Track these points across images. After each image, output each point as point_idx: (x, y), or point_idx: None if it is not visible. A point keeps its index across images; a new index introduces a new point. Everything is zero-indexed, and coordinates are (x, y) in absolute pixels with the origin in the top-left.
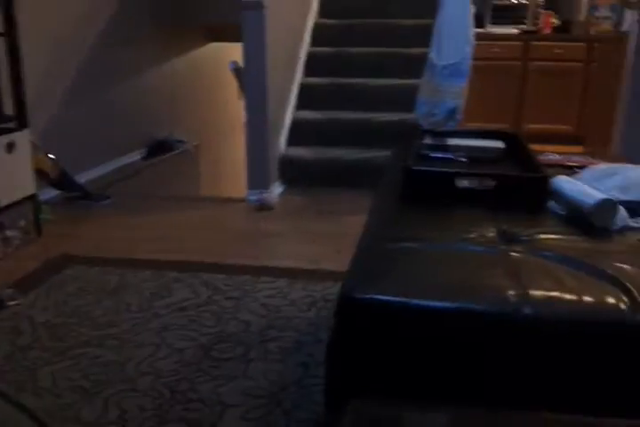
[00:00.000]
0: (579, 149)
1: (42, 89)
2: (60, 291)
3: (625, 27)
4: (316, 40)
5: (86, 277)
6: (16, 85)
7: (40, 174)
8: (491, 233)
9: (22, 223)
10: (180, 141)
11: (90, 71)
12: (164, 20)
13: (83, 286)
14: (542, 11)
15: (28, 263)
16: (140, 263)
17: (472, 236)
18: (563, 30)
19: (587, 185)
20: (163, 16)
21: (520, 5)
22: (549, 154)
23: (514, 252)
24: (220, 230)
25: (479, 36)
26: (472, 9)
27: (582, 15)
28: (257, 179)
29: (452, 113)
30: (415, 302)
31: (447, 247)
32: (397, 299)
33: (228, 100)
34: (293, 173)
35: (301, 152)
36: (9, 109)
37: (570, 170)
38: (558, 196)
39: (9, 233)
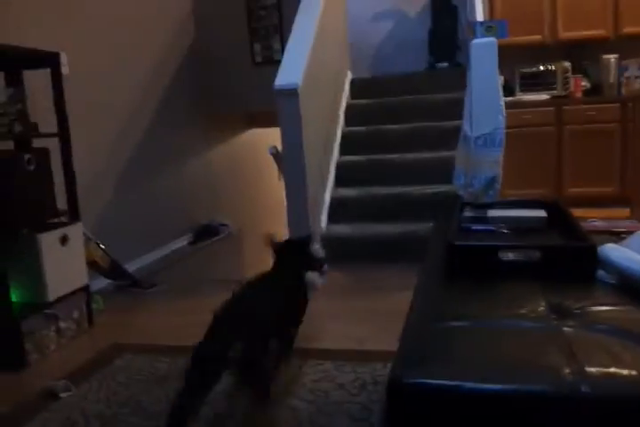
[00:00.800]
0: (625, 211)
1: (91, 183)
2: (112, 381)
3: None
4: (350, 120)
5: (136, 366)
6: (68, 182)
7: (92, 265)
8: (541, 307)
9: (75, 314)
10: (224, 225)
11: (136, 162)
12: (206, 109)
13: (133, 375)
14: (571, 75)
15: (81, 354)
16: (187, 350)
17: (522, 311)
18: (594, 93)
19: (635, 252)
20: (205, 105)
21: (548, 72)
22: (594, 220)
23: (566, 326)
24: None
25: (510, 105)
26: (500, 79)
27: (612, 76)
28: None
29: (490, 183)
30: (467, 385)
31: (497, 325)
32: (448, 383)
33: (269, 183)
34: (336, 251)
35: (343, 229)
36: (62, 204)
37: (616, 236)
38: (607, 264)
39: (62, 325)
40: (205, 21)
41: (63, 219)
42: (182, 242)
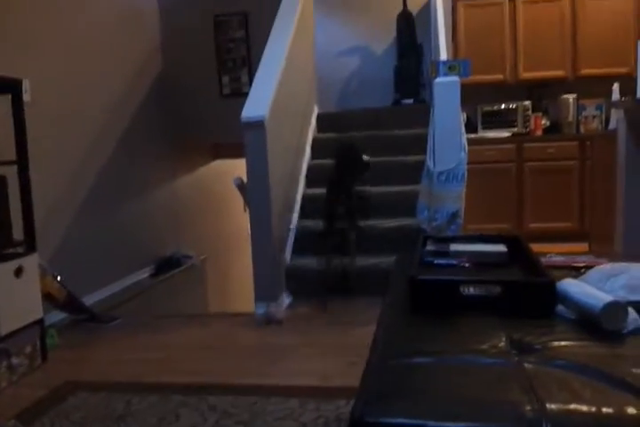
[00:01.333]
0: (584, 246)
1: (50, 212)
2: (65, 420)
3: (612, 124)
4: (316, 153)
5: (91, 404)
6: (25, 211)
7: (47, 298)
8: (502, 343)
9: (28, 349)
10: (188, 256)
11: (97, 192)
12: (172, 139)
13: (88, 414)
14: (531, 114)
15: (33, 392)
16: (146, 387)
17: (483, 347)
18: (553, 131)
19: (593, 287)
20: (171, 135)
21: (509, 110)
22: (553, 255)
23: (527, 362)
24: (227, 348)
25: (473, 141)
26: (463, 116)
27: (571, 115)
28: (264, 291)
29: (453, 217)
30: (429, 424)
31: (459, 361)
32: (411, 421)
33: (233, 214)
34: (300, 283)
35: (306, 262)
36: (18, 234)
37: (576, 271)
38: (566, 299)
39: (14, 360)
40: (174, 52)
41: (19, 249)
42: (144, 274)
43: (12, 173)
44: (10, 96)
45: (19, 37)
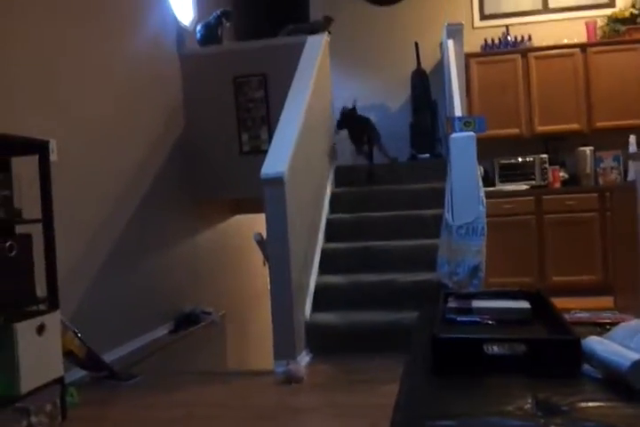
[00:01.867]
0: (609, 300)
1: (72, 269)
2: None
3: (631, 176)
4: (334, 207)
5: None
6: (49, 268)
7: (68, 355)
8: (527, 404)
9: (48, 408)
10: (207, 313)
11: (119, 249)
12: (193, 195)
13: None
14: (549, 166)
15: None
16: None
17: (508, 408)
18: (572, 183)
19: (620, 344)
20: (192, 192)
21: (526, 163)
22: (577, 311)
23: (554, 425)
24: (247, 408)
25: (491, 194)
26: (480, 169)
27: (589, 167)
28: (283, 348)
29: (474, 271)
30: None
31: (483, 424)
32: None
33: (253, 269)
34: (320, 340)
35: (327, 317)
36: (41, 290)
37: (600, 327)
38: (592, 358)
39: (34, 419)
40: (195, 112)
41: (41, 306)
42: (163, 331)
43: (36, 230)
44: (37, 156)
45: (48, 100)
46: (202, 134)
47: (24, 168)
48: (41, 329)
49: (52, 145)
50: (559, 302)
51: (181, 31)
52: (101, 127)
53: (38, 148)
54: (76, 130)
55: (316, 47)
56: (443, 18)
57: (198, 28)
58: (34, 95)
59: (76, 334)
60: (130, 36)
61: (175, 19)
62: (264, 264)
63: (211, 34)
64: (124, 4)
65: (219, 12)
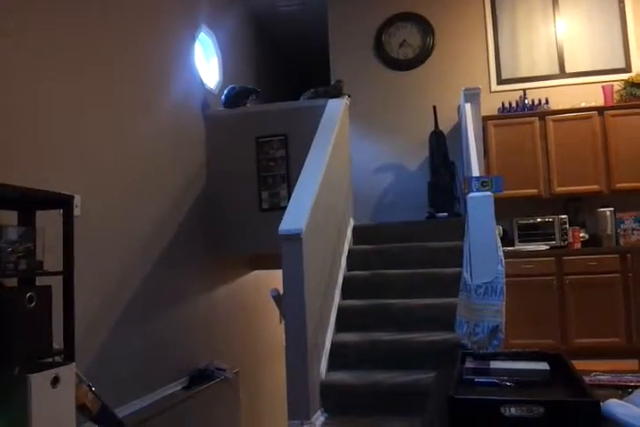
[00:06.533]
0: (633, 363)
1: (89, 322)
2: None
3: None
4: (351, 264)
5: None
6: (67, 320)
7: (81, 409)
8: None
9: None
10: (221, 369)
11: (136, 304)
12: (211, 251)
13: None
14: (568, 227)
15: None
16: None
17: None
18: (593, 244)
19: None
20: (211, 247)
21: (546, 223)
22: (598, 373)
23: None
24: None
25: (510, 254)
26: (498, 229)
27: (609, 228)
28: (297, 408)
29: (494, 332)
30: None
31: None
32: None
33: (268, 326)
34: (336, 400)
35: (343, 377)
36: (57, 341)
37: (622, 390)
38: (611, 421)
39: None
40: (217, 170)
41: (57, 358)
42: (177, 386)
43: (56, 283)
44: (61, 211)
45: (74, 155)
46: (223, 192)
47: (48, 221)
48: (55, 381)
49: (77, 200)
50: (582, 365)
51: (207, 93)
52: (125, 183)
53: (63, 202)
54: (100, 185)
55: (337, 109)
56: (460, 82)
57: (225, 91)
58: (61, 150)
59: (90, 387)
60: (158, 97)
61: (201, 82)
62: (280, 322)
63: (236, 103)
64: (155, 67)
65: (249, 87)
